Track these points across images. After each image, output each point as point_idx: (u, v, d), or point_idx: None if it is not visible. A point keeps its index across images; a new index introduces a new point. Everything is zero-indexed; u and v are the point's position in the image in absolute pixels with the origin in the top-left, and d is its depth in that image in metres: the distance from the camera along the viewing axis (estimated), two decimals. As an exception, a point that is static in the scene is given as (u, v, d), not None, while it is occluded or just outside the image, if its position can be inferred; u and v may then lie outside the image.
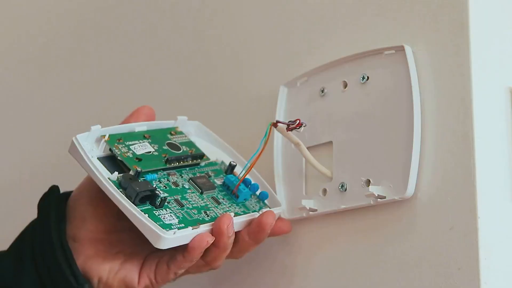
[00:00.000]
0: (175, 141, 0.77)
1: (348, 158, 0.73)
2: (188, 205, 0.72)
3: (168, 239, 0.68)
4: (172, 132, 0.78)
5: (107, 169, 0.71)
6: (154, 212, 0.70)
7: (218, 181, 0.76)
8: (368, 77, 0.73)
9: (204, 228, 0.70)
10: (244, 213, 0.74)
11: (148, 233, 0.68)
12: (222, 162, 0.78)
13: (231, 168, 0.77)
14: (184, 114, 0.89)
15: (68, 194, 0.76)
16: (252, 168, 0.74)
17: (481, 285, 0.64)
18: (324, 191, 0.75)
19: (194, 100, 0.92)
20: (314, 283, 0.76)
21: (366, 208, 0.72)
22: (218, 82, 0.90)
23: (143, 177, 0.72)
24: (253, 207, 0.75)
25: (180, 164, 0.75)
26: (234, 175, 0.76)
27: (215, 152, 0.79)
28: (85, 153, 0.71)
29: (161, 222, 0.69)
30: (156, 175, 0.73)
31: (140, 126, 0.76)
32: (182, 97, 0.94)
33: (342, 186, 0.73)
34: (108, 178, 0.70)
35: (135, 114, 0.77)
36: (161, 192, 0.72)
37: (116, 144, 0.73)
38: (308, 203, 0.76)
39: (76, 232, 0.74)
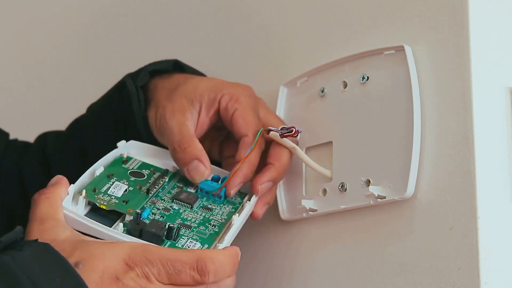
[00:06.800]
0: (133, 168, 0.74)
1: (348, 158, 0.73)
2: (193, 225, 0.70)
3: None
4: (124, 161, 0.75)
5: (103, 224, 0.67)
6: (178, 245, 0.68)
7: (191, 190, 0.74)
8: (368, 77, 0.73)
9: (227, 239, 0.68)
10: (235, 209, 0.73)
11: None
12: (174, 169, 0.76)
13: None
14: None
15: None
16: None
17: (481, 285, 0.64)
18: (324, 191, 0.75)
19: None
20: (314, 283, 0.76)
21: (366, 208, 0.72)
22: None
23: (141, 218, 0.68)
24: (236, 199, 0.74)
25: (157, 189, 0.73)
26: (207, 180, 0.74)
27: (159, 161, 0.76)
28: (78, 215, 0.67)
29: None
30: (148, 210, 0.70)
31: (98, 169, 0.72)
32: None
33: (342, 186, 0.73)
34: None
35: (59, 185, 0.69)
36: (169, 224, 0.69)
37: (96, 196, 0.69)
38: (308, 203, 0.76)
39: None
